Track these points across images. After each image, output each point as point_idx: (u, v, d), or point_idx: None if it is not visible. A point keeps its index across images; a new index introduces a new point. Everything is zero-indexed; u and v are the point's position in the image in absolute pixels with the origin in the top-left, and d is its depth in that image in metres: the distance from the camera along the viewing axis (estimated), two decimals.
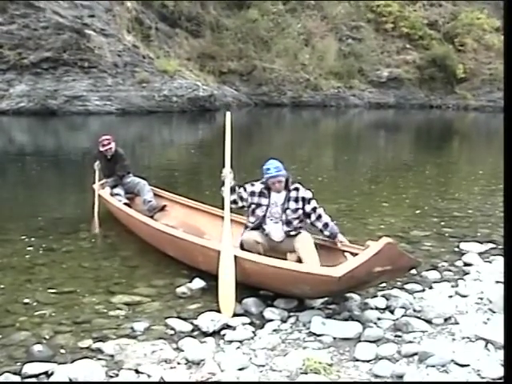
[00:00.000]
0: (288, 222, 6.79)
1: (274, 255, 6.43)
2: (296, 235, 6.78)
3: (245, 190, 7.07)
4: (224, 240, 6.62)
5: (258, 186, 6.97)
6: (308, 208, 6.83)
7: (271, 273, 5.90)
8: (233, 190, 7.13)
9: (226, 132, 7.69)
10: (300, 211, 6.82)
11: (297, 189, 6.86)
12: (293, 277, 5.69)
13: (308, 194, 6.88)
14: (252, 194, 7.01)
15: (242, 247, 6.73)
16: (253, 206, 7.00)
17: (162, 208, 9.53)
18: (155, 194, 9.89)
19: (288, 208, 6.80)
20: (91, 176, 10.06)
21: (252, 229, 6.94)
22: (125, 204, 9.29)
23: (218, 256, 6.33)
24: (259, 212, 6.90)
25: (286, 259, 6.66)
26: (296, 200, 6.82)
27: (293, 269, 5.74)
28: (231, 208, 7.18)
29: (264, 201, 6.90)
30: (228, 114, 7.93)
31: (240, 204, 7.14)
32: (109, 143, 9.94)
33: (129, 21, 34.13)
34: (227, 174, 7.19)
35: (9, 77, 28.29)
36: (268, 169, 6.80)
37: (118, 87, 31.01)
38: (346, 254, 6.58)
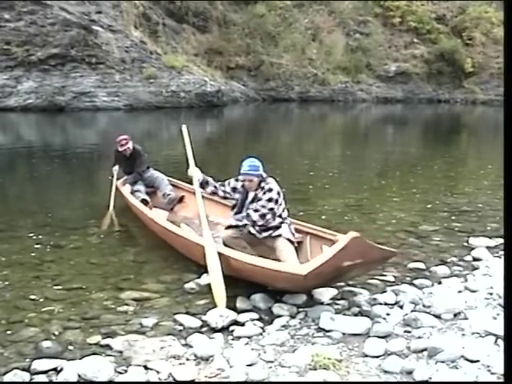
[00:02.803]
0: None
1: (262, 251, 6.63)
2: (277, 237, 6.74)
3: (229, 184, 7.24)
4: (205, 236, 6.73)
5: (239, 183, 7.07)
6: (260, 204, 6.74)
7: (249, 269, 6.05)
8: (206, 183, 7.36)
9: (185, 139, 8.02)
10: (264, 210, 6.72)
11: (270, 190, 6.74)
12: (265, 273, 5.82)
13: (273, 195, 6.72)
14: (233, 189, 7.17)
15: (225, 244, 6.82)
16: (233, 202, 7.14)
17: (181, 199, 9.79)
18: (175, 186, 10.16)
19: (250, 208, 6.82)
20: (100, 172, 10.10)
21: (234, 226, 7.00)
22: (143, 200, 9.48)
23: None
24: (237, 209, 7.02)
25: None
26: (261, 199, 6.74)
27: (262, 266, 5.85)
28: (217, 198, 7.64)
29: (242, 198, 7.00)
30: (184, 126, 8.20)
31: (221, 194, 7.34)
32: (126, 143, 10.18)
33: (136, 17, 34.14)
34: (193, 172, 7.47)
35: (16, 73, 28.33)
36: (242, 166, 6.83)
37: (126, 83, 31.02)
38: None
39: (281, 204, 6.81)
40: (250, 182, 6.80)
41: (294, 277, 5.43)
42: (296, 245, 6.83)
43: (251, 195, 6.87)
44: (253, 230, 6.82)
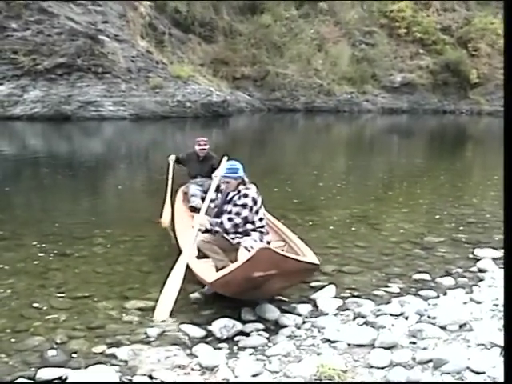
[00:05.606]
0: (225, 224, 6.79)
1: (234, 257, 6.64)
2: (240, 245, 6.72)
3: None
4: (186, 248, 6.76)
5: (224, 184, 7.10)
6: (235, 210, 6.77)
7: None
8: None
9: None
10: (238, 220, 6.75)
11: (246, 195, 6.78)
12: (195, 275, 6.35)
13: (248, 201, 6.75)
14: (218, 187, 7.24)
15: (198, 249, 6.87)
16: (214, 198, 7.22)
17: None
18: None
19: (225, 210, 6.85)
20: (113, 179, 10.09)
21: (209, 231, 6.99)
22: (191, 206, 9.48)
23: None
24: (217, 209, 7.06)
25: None
26: (235, 205, 6.79)
27: (190, 267, 6.39)
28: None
29: (218, 198, 7.12)
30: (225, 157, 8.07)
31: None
32: (205, 144, 10.42)
33: (142, 26, 34.21)
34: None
35: (23, 82, 28.36)
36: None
37: (132, 93, 31.04)
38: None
39: (257, 212, 6.82)
40: (227, 184, 6.90)
41: (206, 283, 5.91)
42: None
43: (230, 196, 6.92)
44: (227, 236, 6.81)
